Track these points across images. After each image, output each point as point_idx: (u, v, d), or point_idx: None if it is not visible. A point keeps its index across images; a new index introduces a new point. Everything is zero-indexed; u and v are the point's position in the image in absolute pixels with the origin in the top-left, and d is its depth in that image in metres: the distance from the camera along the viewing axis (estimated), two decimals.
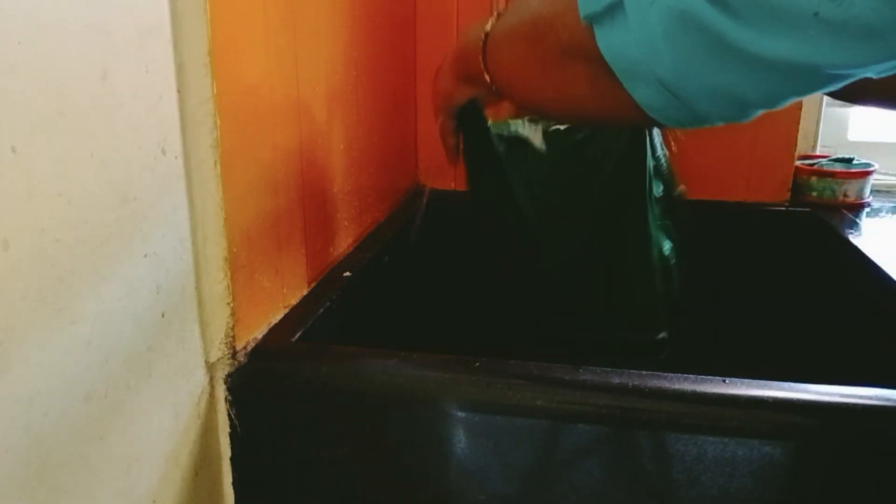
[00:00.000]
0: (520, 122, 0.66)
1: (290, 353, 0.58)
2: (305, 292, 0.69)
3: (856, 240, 0.88)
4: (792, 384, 0.50)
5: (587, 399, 0.51)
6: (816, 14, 0.30)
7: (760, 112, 0.37)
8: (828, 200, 1.05)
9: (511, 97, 0.51)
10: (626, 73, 0.38)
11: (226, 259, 0.53)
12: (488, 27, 0.49)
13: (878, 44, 0.30)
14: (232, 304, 0.55)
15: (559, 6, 0.40)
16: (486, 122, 0.63)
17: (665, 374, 0.51)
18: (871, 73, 0.33)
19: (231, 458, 0.57)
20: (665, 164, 0.70)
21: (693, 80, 0.35)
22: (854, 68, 0.32)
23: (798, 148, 1.05)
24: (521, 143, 0.66)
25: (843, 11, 0.29)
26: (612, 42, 0.37)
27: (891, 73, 0.33)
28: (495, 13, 0.50)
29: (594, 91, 0.40)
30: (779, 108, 0.37)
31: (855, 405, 0.48)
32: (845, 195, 1.05)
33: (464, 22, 1.07)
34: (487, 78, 0.50)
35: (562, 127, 0.66)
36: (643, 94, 0.38)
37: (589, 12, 0.37)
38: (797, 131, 1.04)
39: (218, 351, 0.55)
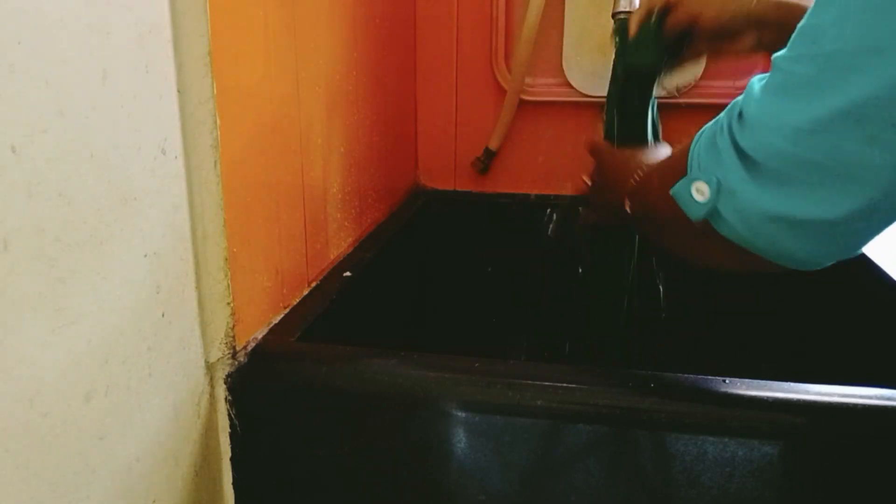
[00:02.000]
0: None
1: (290, 353, 0.58)
2: (305, 292, 0.69)
3: None
4: (792, 384, 0.50)
5: (587, 399, 0.51)
6: (861, 163, 0.35)
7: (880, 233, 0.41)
8: None
9: (642, 230, 0.58)
10: (750, 248, 0.43)
11: (226, 259, 0.53)
12: (640, 174, 0.55)
13: None
14: (232, 304, 0.55)
15: (673, 208, 0.46)
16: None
17: (665, 374, 0.51)
18: None
19: (231, 458, 0.57)
20: None
21: (799, 249, 0.41)
22: None
23: None
24: None
25: (881, 150, 0.34)
26: (729, 233, 0.43)
27: None
28: (645, 163, 0.55)
29: (740, 258, 0.45)
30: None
31: (855, 405, 0.48)
32: None
33: (464, 22, 1.07)
34: (628, 208, 0.56)
35: None
36: (771, 257, 0.43)
37: (697, 218, 0.44)
38: None
39: (218, 351, 0.55)
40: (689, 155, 0.45)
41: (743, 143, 0.40)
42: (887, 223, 0.40)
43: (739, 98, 0.42)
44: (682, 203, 0.45)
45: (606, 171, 0.63)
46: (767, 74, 0.40)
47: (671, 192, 0.46)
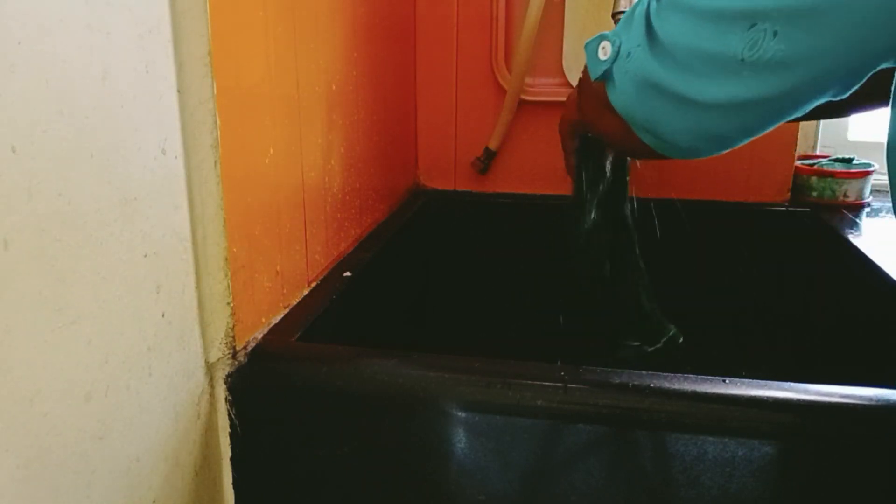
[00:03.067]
0: None
1: (290, 353, 0.58)
2: (305, 292, 0.69)
3: (856, 240, 0.88)
4: (792, 384, 0.50)
5: (587, 399, 0.50)
6: (742, 60, 0.38)
7: (745, 141, 0.44)
8: (828, 200, 1.05)
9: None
10: (629, 121, 0.47)
11: (226, 259, 0.53)
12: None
13: (793, 74, 0.37)
14: (232, 304, 0.55)
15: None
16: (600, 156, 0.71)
17: (665, 374, 0.51)
18: (804, 107, 0.40)
19: (231, 458, 0.57)
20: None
21: (668, 126, 0.44)
22: (787, 99, 0.39)
23: (798, 148, 1.05)
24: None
25: (760, 55, 0.37)
26: (613, 98, 0.47)
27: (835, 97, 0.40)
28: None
29: (623, 133, 0.48)
30: (760, 135, 0.43)
31: (855, 405, 0.48)
32: (845, 195, 1.05)
33: (464, 22, 1.07)
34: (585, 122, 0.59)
35: None
36: (643, 137, 0.46)
37: (595, 77, 0.47)
38: (797, 131, 1.04)
39: (218, 351, 0.55)
40: None
41: (653, 19, 0.42)
42: (762, 126, 0.42)
43: None
44: (588, 59, 0.47)
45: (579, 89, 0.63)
46: None
47: (584, 44, 0.49)
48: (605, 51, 0.46)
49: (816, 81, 0.38)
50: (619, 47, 0.45)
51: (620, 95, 0.45)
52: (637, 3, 0.45)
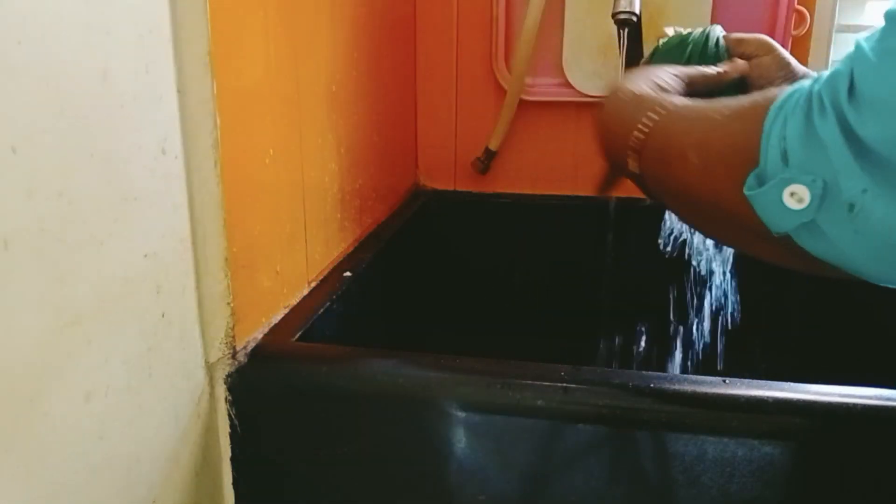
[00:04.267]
0: None
1: (290, 353, 0.58)
2: (305, 292, 0.69)
3: None
4: (792, 384, 0.50)
5: (587, 399, 0.50)
6: None
7: None
8: None
9: (661, 201, 0.44)
10: (833, 262, 0.33)
11: (226, 259, 0.53)
12: (648, 125, 0.41)
13: None
14: (232, 304, 0.55)
15: (732, 200, 0.34)
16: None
17: (665, 374, 0.51)
18: None
19: (231, 458, 0.57)
20: None
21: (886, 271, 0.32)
22: None
23: None
24: None
25: None
26: (814, 247, 0.33)
27: None
28: (658, 108, 0.40)
29: (788, 257, 0.36)
30: None
31: (855, 405, 0.48)
32: None
33: (464, 22, 1.07)
34: (635, 170, 0.42)
35: None
36: (828, 261, 0.34)
37: (780, 231, 0.33)
38: None
39: (218, 351, 0.55)
40: (763, 136, 0.32)
41: (863, 132, 0.28)
42: None
43: (840, 66, 0.29)
44: (764, 209, 0.32)
45: (610, 109, 0.47)
46: (880, 30, 0.28)
47: (746, 192, 0.33)
48: (798, 199, 0.31)
49: None
50: (825, 189, 0.30)
51: (833, 249, 0.32)
52: (804, 115, 0.30)
